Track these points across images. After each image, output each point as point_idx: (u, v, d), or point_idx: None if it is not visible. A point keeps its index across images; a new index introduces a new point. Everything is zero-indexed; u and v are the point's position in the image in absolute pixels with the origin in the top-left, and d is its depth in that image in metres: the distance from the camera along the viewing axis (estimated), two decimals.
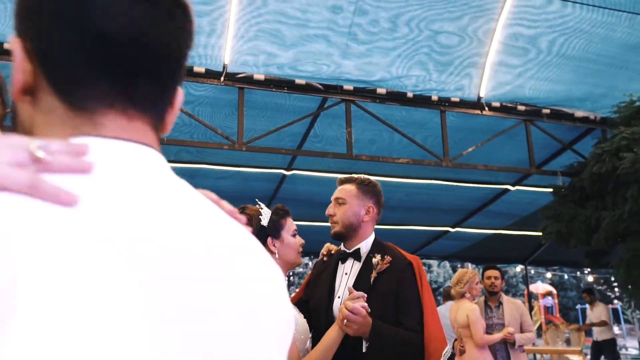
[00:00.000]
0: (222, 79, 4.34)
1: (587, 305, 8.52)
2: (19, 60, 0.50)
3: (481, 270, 5.00)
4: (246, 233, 0.57)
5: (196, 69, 4.24)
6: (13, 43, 0.51)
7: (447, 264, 25.33)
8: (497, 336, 4.26)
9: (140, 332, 0.40)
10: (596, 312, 8.14)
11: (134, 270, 0.41)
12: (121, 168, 0.48)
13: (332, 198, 2.14)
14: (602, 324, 7.97)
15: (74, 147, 0.44)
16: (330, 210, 2.12)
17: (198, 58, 4.23)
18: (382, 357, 1.85)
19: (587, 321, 8.45)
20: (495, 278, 4.70)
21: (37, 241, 0.37)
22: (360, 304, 1.78)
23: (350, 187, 2.12)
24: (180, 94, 0.58)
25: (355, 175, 2.18)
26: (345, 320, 1.78)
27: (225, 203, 0.61)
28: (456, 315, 4.30)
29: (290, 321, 0.59)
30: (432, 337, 1.92)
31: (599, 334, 8.04)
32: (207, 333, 0.46)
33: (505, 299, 4.71)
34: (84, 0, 0.49)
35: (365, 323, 1.79)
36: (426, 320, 1.95)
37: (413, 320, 1.94)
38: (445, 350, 1.93)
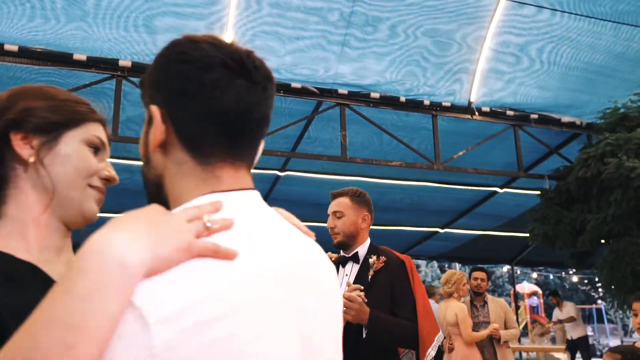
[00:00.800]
0: None
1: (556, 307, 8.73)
2: (158, 122, 0.66)
3: (468, 271, 5.16)
4: (317, 246, 0.77)
5: None
6: (152, 109, 0.67)
7: (435, 264, 25.57)
8: (484, 333, 4.40)
9: (285, 320, 0.63)
10: (565, 312, 8.34)
11: (274, 286, 0.63)
12: (240, 215, 0.66)
13: (330, 212, 2.37)
14: (570, 319, 8.17)
15: (216, 206, 0.64)
16: (330, 223, 2.34)
17: None
18: (381, 342, 2.11)
19: (554, 319, 8.66)
20: (482, 280, 4.87)
21: (229, 287, 0.58)
22: (357, 294, 2.03)
23: (345, 200, 2.35)
24: (262, 142, 0.75)
25: (347, 189, 2.41)
26: (344, 308, 2.00)
27: (301, 225, 0.78)
28: (445, 314, 4.43)
29: (341, 306, 0.80)
30: (424, 324, 2.16)
31: (572, 332, 8.23)
32: (316, 317, 0.69)
33: (490, 298, 4.89)
34: (207, 84, 0.64)
35: (362, 310, 2.03)
36: (419, 310, 2.19)
37: (407, 311, 2.17)
38: (438, 335, 2.18)
